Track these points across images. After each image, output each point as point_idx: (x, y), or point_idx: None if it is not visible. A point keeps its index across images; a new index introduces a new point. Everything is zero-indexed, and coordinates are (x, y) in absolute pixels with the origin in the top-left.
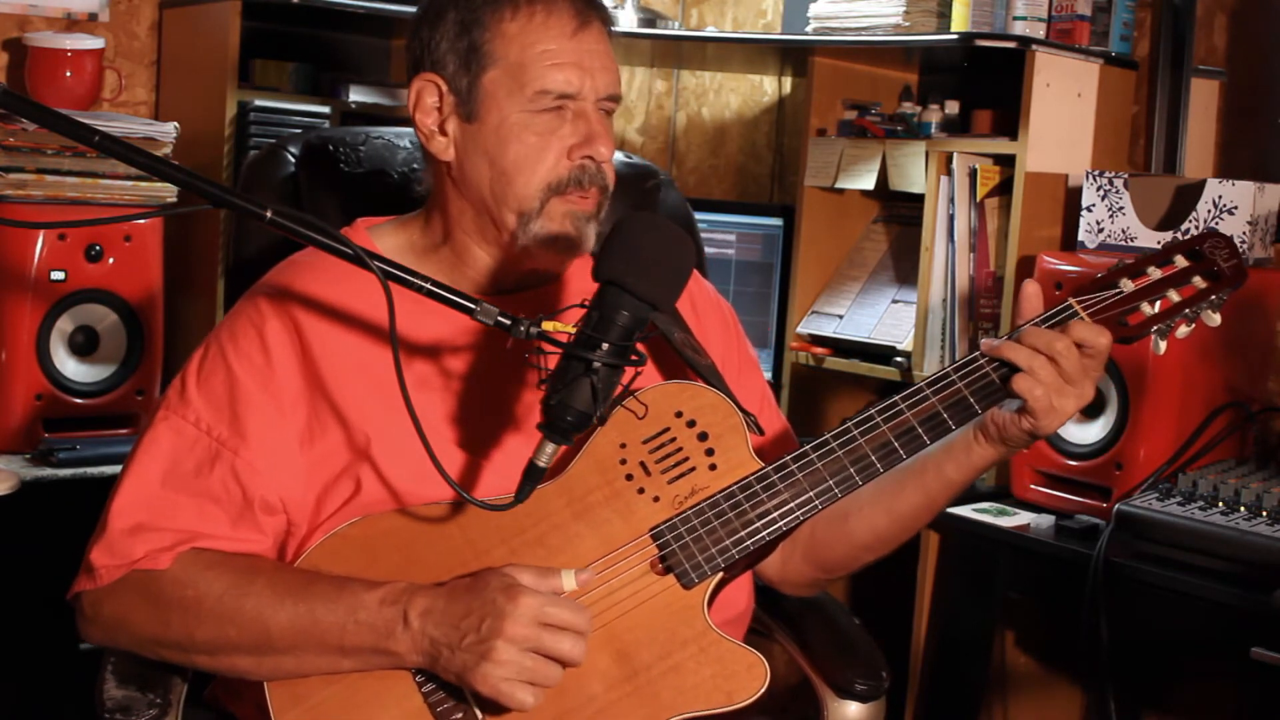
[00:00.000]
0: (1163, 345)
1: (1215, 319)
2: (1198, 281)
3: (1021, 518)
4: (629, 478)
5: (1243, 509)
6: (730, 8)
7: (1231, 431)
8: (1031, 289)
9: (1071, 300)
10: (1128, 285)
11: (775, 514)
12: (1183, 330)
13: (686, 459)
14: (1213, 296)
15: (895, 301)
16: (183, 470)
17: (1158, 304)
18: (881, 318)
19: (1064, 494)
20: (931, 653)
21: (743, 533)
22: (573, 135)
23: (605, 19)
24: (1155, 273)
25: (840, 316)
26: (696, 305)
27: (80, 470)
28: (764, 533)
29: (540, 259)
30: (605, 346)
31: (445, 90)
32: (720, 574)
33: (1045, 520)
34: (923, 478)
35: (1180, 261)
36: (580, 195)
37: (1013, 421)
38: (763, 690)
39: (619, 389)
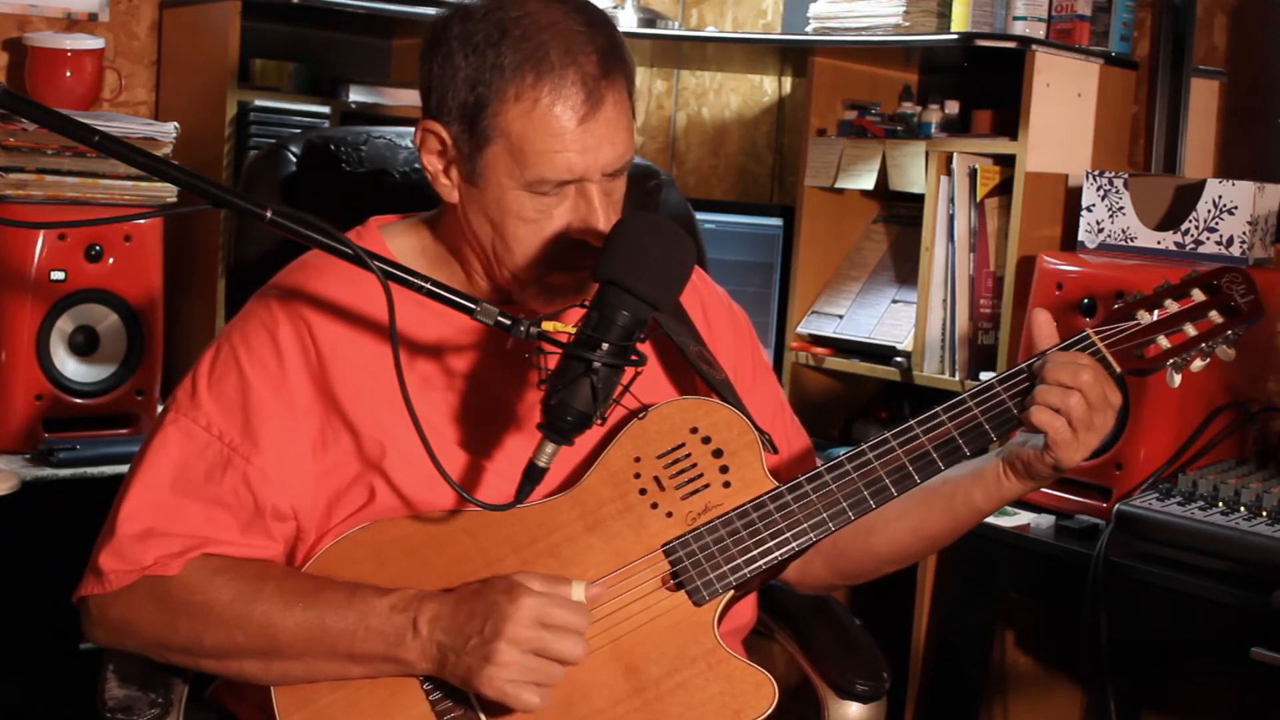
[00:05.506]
0: (1177, 378)
1: (1230, 354)
2: (1214, 316)
3: (1021, 518)
4: (642, 492)
5: (1243, 509)
6: (730, 8)
7: (1231, 431)
8: (1042, 317)
9: (1089, 330)
10: (1145, 317)
11: (788, 534)
12: (1197, 364)
13: (701, 475)
14: (1229, 332)
15: (895, 301)
16: (193, 475)
17: (1174, 337)
18: (881, 318)
19: (1064, 494)
20: (931, 653)
21: (755, 552)
22: (572, 214)
23: (622, 81)
24: (1172, 305)
25: (840, 316)
26: (708, 312)
27: (80, 470)
28: (777, 553)
29: (540, 307)
30: (605, 346)
31: (449, 144)
32: (731, 592)
33: (1045, 520)
34: (951, 502)
35: (1198, 295)
36: (580, 264)
37: (1037, 458)
38: (770, 710)
39: (619, 389)
